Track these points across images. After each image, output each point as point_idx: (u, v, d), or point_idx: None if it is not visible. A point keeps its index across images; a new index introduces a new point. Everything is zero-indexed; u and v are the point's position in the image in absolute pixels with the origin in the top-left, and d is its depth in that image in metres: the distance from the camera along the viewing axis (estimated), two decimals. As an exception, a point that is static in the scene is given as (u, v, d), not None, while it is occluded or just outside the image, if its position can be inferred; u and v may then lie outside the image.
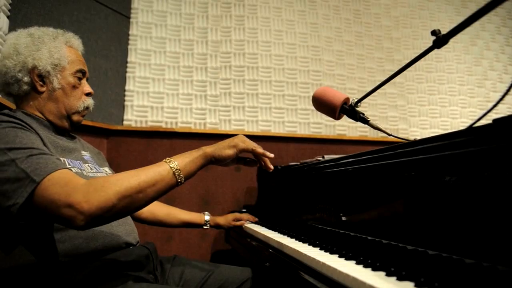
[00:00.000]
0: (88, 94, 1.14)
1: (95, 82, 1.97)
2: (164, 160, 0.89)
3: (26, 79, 1.03)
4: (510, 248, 0.53)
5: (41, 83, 1.05)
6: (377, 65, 2.79)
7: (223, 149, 0.97)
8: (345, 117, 1.12)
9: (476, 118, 0.73)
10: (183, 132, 2.28)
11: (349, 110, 1.06)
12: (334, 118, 1.10)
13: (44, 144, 0.93)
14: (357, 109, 1.06)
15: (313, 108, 1.15)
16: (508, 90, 0.64)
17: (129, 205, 0.81)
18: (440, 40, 0.70)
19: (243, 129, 2.40)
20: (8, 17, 1.67)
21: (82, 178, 0.98)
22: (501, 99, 0.64)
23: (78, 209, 0.76)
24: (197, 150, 0.95)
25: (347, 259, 0.77)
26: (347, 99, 1.08)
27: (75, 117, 1.11)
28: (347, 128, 2.63)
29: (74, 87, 1.10)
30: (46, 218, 0.87)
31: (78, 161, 1.06)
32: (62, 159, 0.98)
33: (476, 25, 0.70)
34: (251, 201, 2.22)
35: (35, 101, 1.06)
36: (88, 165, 1.11)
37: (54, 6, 1.88)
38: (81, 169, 1.04)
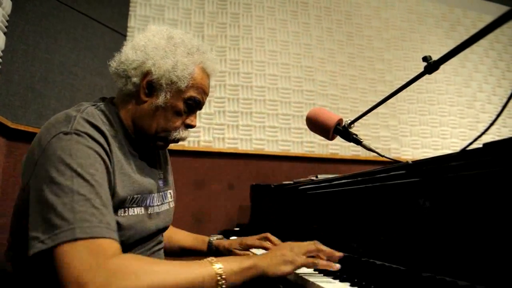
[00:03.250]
0: (188, 126, 0.99)
1: (91, 100, 1.97)
2: (208, 259, 0.76)
3: (135, 79, 0.92)
4: (506, 271, 0.54)
5: (147, 91, 0.93)
6: (369, 86, 2.84)
7: (278, 265, 0.80)
8: (338, 137, 1.13)
9: (468, 140, 0.74)
10: (177, 150, 2.28)
11: (342, 131, 1.07)
12: (327, 138, 1.10)
13: (112, 171, 0.82)
14: (350, 130, 1.08)
15: (306, 127, 1.16)
16: (501, 112, 0.66)
17: None
18: (431, 66, 0.72)
19: (237, 147, 2.40)
20: (5, 33, 1.69)
21: (144, 221, 0.92)
22: (494, 121, 0.66)
23: None
24: (247, 258, 0.80)
25: (341, 281, 0.77)
26: (341, 120, 1.08)
27: (160, 143, 0.97)
28: (339, 147, 2.66)
29: (178, 113, 0.95)
30: (47, 275, 0.71)
31: (148, 194, 0.95)
32: (129, 193, 0.87)
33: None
34: (244, 219, 2.21)
35: (134, 106, 0.94)
36: (157, 196, 1.00)
37: (51, 24, 1.90)
38: (148, 205, 0.94)
